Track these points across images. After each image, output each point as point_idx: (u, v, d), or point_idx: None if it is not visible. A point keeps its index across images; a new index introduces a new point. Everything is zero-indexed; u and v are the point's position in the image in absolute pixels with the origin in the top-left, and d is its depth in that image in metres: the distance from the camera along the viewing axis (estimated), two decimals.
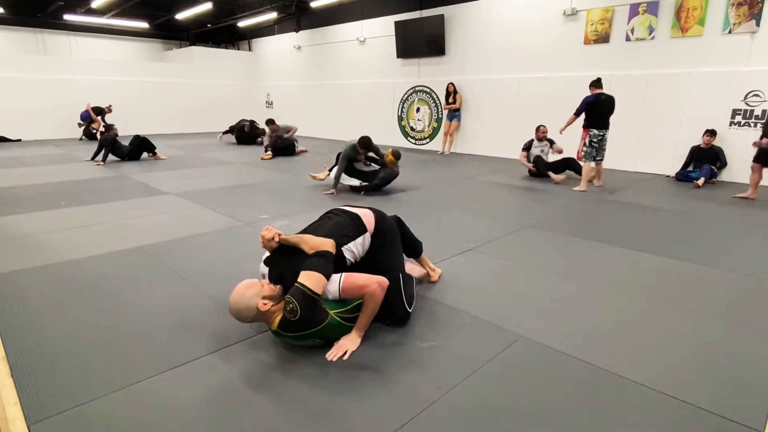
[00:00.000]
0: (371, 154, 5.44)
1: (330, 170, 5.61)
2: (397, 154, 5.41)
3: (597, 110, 5.62)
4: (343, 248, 2.11)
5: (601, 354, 2.02)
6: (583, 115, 5.72)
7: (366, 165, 5.53)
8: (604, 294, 2.68)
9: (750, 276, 2.97)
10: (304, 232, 2.21)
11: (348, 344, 1.99)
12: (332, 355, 1.95)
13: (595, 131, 5.60)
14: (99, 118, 11.17)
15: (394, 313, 2.18)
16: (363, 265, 2.22)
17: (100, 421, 1.58)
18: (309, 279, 1.85)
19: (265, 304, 1.89)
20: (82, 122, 11.33)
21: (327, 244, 1.99)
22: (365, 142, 5.19)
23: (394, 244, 2.34)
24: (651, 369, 1.91)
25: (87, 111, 11.24)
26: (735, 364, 1.96)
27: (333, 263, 1.99)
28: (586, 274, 2.98)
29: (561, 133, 5.99)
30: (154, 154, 8.09)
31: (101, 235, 3.69)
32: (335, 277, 1.96)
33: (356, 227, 2.20)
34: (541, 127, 6.39)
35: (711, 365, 1.95)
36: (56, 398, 1.69)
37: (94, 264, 3.06)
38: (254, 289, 1.91)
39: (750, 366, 1.95)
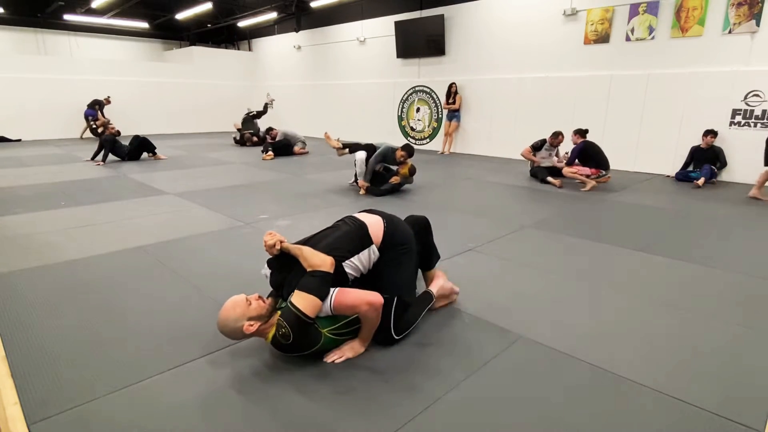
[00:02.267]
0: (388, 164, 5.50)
1: (345, 147, 5.57)
2: (413, 170, 5.42)
3: (594, 156, 5.89)
4: (344, 263, 1.99)
5: (601, 354, 2.02)
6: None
7: (383, 169, 5.53)
8: (604, 294, 2.68)
9: (750, 276, 2.97)
10: (312, 237, 2.13)
11: (348, 351, 1.95)
12: (330, 358, 1.93)
13: (604, 172, 5.87)
14: (100, 115, 11.19)
15: (378, 334, 2.03)
16: (368, 277, 2.12)
17: (100, 421, 1.58)
18: (303, 302, 1.77)
19: (252, 326, 1.80)
20: (93, 120, 11.32)
21: (326, 264, 1.87)
22: (411, 151, 5.24)
23: (401, 261, 2.13)
24: (651, 369, 1.91)
25: (92, 109, 11.26)
26: (735, 364, 1.96)
27: (331, 281, 1.90)
28: (586, 274, 2.98)
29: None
30: (154, 154, 8.09)
31: (101, 235, 3.69)
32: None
33: (361, 240, 2.06)
34: (561, 136, 6.30)
35: (711, 365, 1.95)
36: (56, 398, 1.69)
37: (94, 264, 3.06)
38: (239, 310, 1.79)
39: (750, 366, 1.95)
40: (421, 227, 2.40)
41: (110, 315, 2.35)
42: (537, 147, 6.43)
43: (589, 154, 5.87)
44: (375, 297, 1.88)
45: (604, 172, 5.84)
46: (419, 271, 2.51)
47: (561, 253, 3.43)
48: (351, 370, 1.89)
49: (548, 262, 3.22)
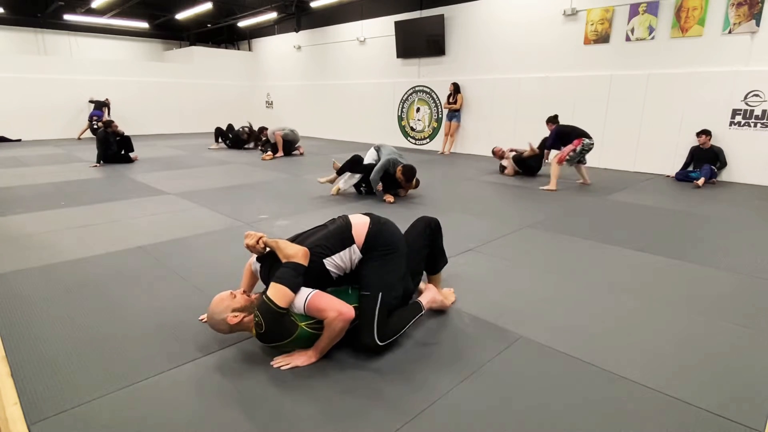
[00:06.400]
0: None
1: (338, 172, 5.30)
2: (417, 183, 5.31)
3: (571, 131, 5.89)
4: (325, 260, 2.00)
5: (601, 354, 2.02)
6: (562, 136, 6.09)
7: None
8: (604, 294, 2.68)
9: (750, 276, 2.97)
10: (302, 234, 2.18)
11: (297, 359, 1.90)
12: (276, 363, 1.90)
13: (587, 140, 5.77)
14: (106, 116, 11.15)
15: (360, 335, 1.95)
16: (352, 277, 2.12)
17: (100, 421, 1.58)
18: (275, 292, 1.81)
19: (236, 317, 1.87)
20: (98, 120, 11.25)
21: (298, 255, 1.91)
22: (410, 176, 4.95)
23: (384, 262, 2.06)
24: (651, 369, 1.91)
25: (99, 110, 11.23)
26: (735, 364, 1.96)
27: (311, 275, 1.93)
28: (587, 274, 2.98)
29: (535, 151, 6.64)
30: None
31: (101, 235, 3.69)
32: (305, 292, 1.88)
33: (342, 240, 2.06)
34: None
35: (711, 365, 1.95)
36: (56, 398, 1.69)
37: (94, 264, 3.06)
38: (224, 303, 1.89)
39: (750, 366, 1.95)
40: (431, 229, 2.36)
41: (110, 315, 2.35)
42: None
43: (566, 132, 5.91)
44: (347, 308, 1.87)
45: (587, 140, 5.74)
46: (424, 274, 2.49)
47: (561, 253, 3.43)
48: (351, 370, 1.89)
49: (548, 262, 3.22)
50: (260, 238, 2.02)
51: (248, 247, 2.04)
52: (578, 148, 5.73)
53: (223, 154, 8.91)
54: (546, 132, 6.47)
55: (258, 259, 2.13)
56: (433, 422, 1.59)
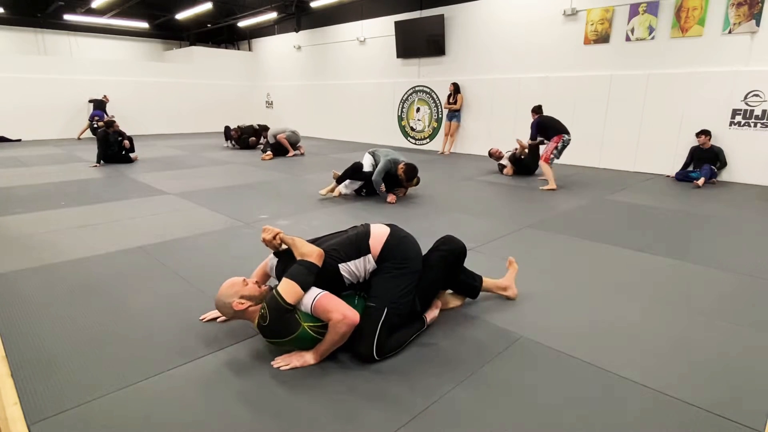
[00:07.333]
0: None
1: (338, 181, 5.24)
2: (417, 181, 5.30)
3: (551, 124, 6.02)
4: (339, 265, 2.02)
5: (601, 354, 2.02)
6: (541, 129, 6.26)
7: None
8: (604, 294, 2.68)
9: (750, 276, 2.97)
10: (321, 237, 2.21)
11: (296, 359, 1.90)
12: (277, 363, 1.90)
13: (566, 137, 5.89)
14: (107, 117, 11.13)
15: (358, 345, 1.91)
16: (365, 286, 2.11)
17: (100, 421, 1.58)
18: (284, 287, 1.84)
19: (242, 304, 1.90)
20: (100, 121, 11.21)
21: (313, 254, 1.94)
22: (412, 174, 4.97)
23: (394, 276, 2.04)
24: (651, 369, 1.91)
25: (101, 110, 11.21)
26: (735, 364, 1.96)
27: (324, 277, 1.94)
28: (586, 275, 2.98)
29: (526, 149, 6.73)
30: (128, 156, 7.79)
31: (101, 235, 3.69)
32: (314, 291, 1.89)
33: (358, 248, 2.06)
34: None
35: (711, 365, 1.95)
36: (56, 398, 1.69)
37: (94, 264, 3.06)
38: (234, 288, 1.93)
39: (750, 366, 1.95)
40: (455, 257, 2.28)
41: (110, 315, 2.35)
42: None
43: (546, 125, 6.03)
44: (353, 313, 1.85)
45: (566, 137, 5.88)
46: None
47: (561, 253, 3.43)
48: (351, 370, 1.89)
49: (548, 262, 3.22)
50: (278, 234, 2.05)
51: (265, 241, 2.06)
52: (559, 145, 5.87)
53: (223, 154, 8.91)
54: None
55: (275, 254, 2.16)
56: (433, 422, 1.58)
